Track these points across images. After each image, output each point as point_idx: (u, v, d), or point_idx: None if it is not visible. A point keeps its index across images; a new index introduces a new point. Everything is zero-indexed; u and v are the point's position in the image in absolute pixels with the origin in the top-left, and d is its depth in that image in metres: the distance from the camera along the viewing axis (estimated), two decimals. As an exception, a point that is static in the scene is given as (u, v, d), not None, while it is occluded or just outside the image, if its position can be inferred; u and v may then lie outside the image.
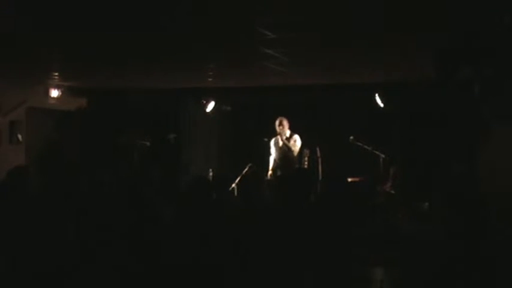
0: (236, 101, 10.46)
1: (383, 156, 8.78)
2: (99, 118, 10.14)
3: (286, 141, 8.78)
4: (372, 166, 8.80)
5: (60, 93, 9.37)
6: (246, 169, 8.95)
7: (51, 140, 9.87)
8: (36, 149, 9.63)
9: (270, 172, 8.89)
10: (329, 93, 9.60)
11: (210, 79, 8.85)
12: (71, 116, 10.18)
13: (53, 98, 9.35)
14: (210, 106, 10.16)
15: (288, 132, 8.83)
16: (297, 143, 8.80)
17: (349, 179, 8.24)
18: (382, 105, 9.24)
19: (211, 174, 9.05)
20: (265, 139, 9.01)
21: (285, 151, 8.83)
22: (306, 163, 8.74)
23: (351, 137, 8.86)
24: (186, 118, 10.72)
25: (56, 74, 8.43)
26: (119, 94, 10.05)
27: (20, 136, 9.78)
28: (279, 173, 8.77)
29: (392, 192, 8.56)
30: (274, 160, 8.96)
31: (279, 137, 8.86)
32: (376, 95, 9.22)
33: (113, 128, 9.89)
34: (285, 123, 8.81)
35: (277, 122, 8.83)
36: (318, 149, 8.84)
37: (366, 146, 8.78)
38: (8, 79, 8.51)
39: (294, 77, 8.63)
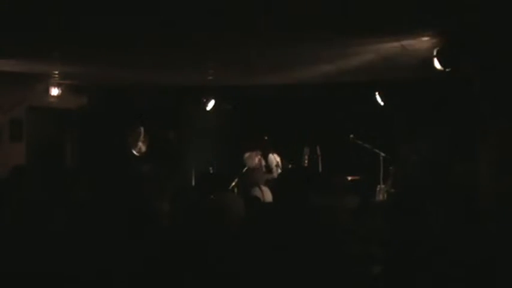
0: (236, 99, 10.45)
1: (383, 154, 8.78)
2: (99, 117, 10.13)
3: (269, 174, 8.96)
4: (372, 165, 8.80)
5: (61, 92, 9.37)
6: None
7: (52, 138, 9.87)
8: (36, 148, 9.63)
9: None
10: (329, 92, 9.59)
11: (210, 77, 8.84)
12: (71, 115, 10.18)
13: (53, 96, 9.34)
14: (210, 104, 10.15)
15: (257, 159, 8.97)
16: (278, 167, 9.00)
17: (349, 178, 8.26)
18: (382, 103, 9.23)
19: (211, 172, 9.05)
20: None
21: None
22: (306, 162, 8.74)
23: (351, 136, 8.86)
24: (186, 116, 10.72)
25: (56, 72, 8.43)
26: (119, 93, 10.04)
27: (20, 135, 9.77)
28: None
29: (393, 190, 8.55)
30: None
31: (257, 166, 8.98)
32: (376, 93, 9.20)
33: (112, 126, 9.88)
34: (254, 157, 8.94)
35: (247, 160, 8.98)
36: (318, 148, 8.84)
37: (365, 145, 8.78)
38: (8, 77, 8.50)
39: (294, 76, 8.63)
